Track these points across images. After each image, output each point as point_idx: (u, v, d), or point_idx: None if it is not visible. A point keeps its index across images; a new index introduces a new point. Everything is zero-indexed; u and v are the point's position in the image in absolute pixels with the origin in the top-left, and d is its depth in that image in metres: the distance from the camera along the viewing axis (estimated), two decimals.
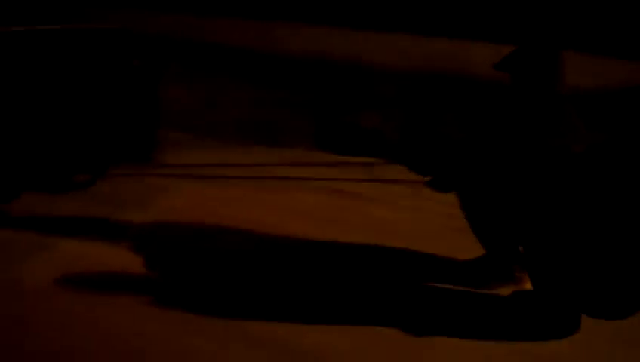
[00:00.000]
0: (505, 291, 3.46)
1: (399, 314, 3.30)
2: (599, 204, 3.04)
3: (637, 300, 3.08)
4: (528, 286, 3.31)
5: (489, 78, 5.18)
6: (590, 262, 3.04)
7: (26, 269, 3.57)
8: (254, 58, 7.89)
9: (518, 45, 3.44)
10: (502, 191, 3.17)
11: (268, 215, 4.52)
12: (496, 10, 7.11)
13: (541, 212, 3.07)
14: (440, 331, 3.15)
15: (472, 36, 6.82)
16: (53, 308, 3.22)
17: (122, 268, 3.67)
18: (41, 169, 4.46)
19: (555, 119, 3.23)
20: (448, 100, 7.55)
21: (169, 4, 7.91)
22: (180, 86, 7.65)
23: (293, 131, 6.59)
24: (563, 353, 3.05)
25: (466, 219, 3.51)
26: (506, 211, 3.18)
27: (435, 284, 3.58)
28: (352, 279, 3.66)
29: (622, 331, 3.18)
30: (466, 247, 3.73)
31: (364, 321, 3.22)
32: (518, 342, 3.11)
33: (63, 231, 4.05)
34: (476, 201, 3.39)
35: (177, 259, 3.85)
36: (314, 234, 4.24)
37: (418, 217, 4.49)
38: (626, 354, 3.10)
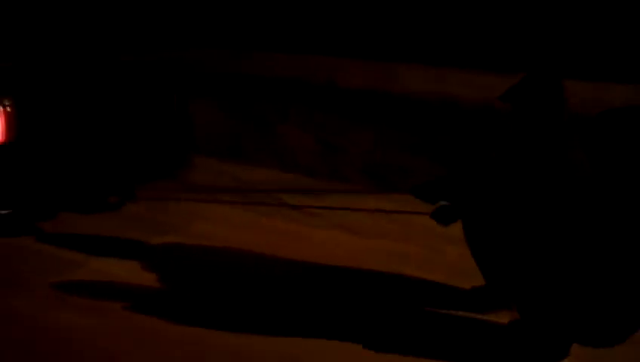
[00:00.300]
0: (502, 319, 3.54)
1: (395, 336, 3.46)
2: (592, 232, 3.09)
3: (625, 328, 3.15)
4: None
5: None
6: (579, 290, 3.10)
7: (58, 283, 3.87)
8: (375, 99, 7.69)
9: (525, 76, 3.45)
10: (503, 218, 3.20)
11: (312, 252, 4.42)
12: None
13: (536, 236, 3.11)
14: (436, 355, 3.30)
15: (611, 78, 6.49)
16: (82, 323, 3.46)
17: (148, 290, 3.88)
18: (77, 190, 4.65)
19: (560, 147, 3.24)
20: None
21: (285, 43, 7.82)
22: (300, 127, 7.55)
23: (415, 174, 6.36)
24: None
25: (470, 250, 3.49)
26: (505, 239, 3.21)
27: (434, 310, 3.73)
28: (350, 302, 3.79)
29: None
30: None
31: (365, 344, 3.36)
32: None
33: (94, 250, 4.33)
34: (479, 231, 3.38)
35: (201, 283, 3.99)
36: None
37: None
38: None
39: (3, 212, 4.28)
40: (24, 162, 4.29)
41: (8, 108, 4.13)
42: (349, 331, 3.52)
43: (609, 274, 3.08)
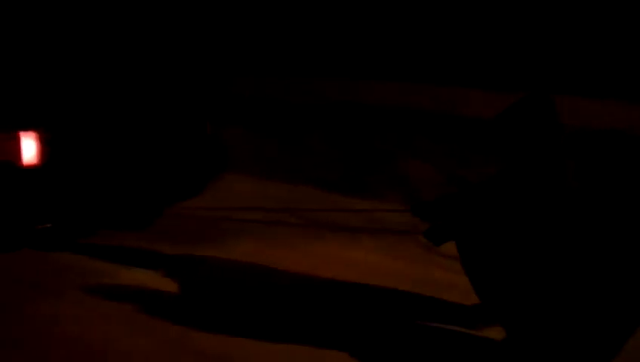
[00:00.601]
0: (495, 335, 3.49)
1: (393, 352, 3.48)
2: (581, 250, 3.10)
3: (610, 350, 3.13)
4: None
5: None
6: (569, 310, 3.11)
7: (89, 292, 4.11)
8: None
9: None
10: (497, 238, 3.23)
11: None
12: None
13: (529, 256, 3.15)
14: None
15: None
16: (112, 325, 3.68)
17: (173, 299, 4.05)
18: (111, 208, 5.02)
19: (555, 161, 3.28)
20: None
21: (407, 73, 7.58)
22: (422, 158, 7.26)
23: None
24: None
25: (465, 271, 3.47)
26: (498, 259, 3.24)
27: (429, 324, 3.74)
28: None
29: None
30: None
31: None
32: None
33: (126, 261, 4.55)
34: (474, 252, 3.37)
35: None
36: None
37: None
38: None
39: (43, 226, 4.67)
40: (60, 182, 4.68)
41: (44, 136, 4.58)
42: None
43: (599, 292, 3.09)
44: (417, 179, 6.93)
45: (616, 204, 3.16)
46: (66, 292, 4.09)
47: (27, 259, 4.59)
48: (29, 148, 4.55)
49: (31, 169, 4.57)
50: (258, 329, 3.65)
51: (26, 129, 4.56)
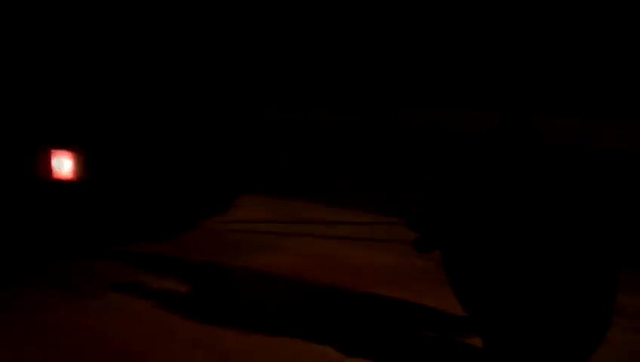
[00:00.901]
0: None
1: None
2: (550, 258, 3.22)
3: (582, 350, 3.25)
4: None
5: None
6: (537, 315, 3.24)
7: (124, 295, 4.42)
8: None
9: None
10: (478, 249, 3.38)
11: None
12: None
13: (508, 266, 3.28)
14: None
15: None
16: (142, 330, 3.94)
17: (197, 304, 4.32)
18: (145, 220, 5.30)
19: (534, 175, 3.40)
20: None
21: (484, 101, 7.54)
22: None
23: None
24: None
25: (449, 280, 3.58)
26: (480, 269, 3.38)
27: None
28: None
29: None
30: None
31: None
32: None
33: (158, 271, 4.80)
34: (458, 262, 3.50)
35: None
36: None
37: None
38: None
39: (79, 236, 5.03)
40: (96, 196, 5.01)
41: (79, 153, 4.91)
42: None
43: (573, 298, 3.24)
44: None
45: (583, 216, 3.30)
46: (97, 295, 4.36)
47: (61, 265, 4.84)
48: (65, 164, 4.83)
49: (66, 183, 4.89)
50: (280, 331, 3.86)
51: (61, 145, 4.85)
